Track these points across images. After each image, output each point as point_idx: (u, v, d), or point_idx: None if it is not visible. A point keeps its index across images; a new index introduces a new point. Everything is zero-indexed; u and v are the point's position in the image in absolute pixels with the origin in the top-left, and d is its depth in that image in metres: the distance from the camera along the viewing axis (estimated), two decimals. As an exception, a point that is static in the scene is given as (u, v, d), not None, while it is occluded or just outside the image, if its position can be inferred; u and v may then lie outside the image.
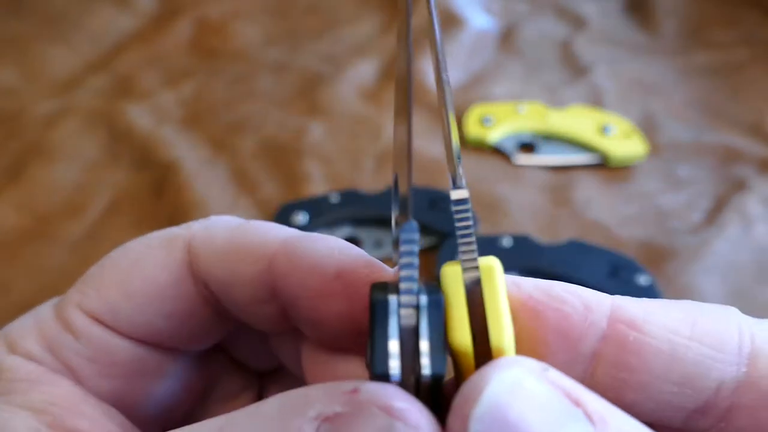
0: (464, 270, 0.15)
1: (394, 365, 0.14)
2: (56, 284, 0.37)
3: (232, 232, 0.18)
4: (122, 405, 0.19)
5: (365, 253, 0.17)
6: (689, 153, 0.46)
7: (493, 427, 0.12)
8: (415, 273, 0.14)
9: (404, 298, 0.14)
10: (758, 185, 0.43)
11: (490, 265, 0.15)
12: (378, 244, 0.39)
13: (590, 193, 0.43)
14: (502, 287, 0.15)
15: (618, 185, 0.44)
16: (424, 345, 0.14)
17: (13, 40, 0.55)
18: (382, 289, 0.15)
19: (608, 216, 0.42)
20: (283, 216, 0.40)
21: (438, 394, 0.14)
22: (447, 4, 0.57)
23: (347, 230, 0.40)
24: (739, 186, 0.43)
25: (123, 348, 0.18)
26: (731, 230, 0.40)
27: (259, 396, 0.22)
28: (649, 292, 0.36)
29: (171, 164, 0.44)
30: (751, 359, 0.15)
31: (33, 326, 0.19)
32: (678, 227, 0.41)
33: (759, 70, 0.52)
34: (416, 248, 0.14)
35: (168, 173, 0.43)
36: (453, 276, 0.15)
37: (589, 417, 0.13)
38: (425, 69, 0.51)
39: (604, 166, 0.45)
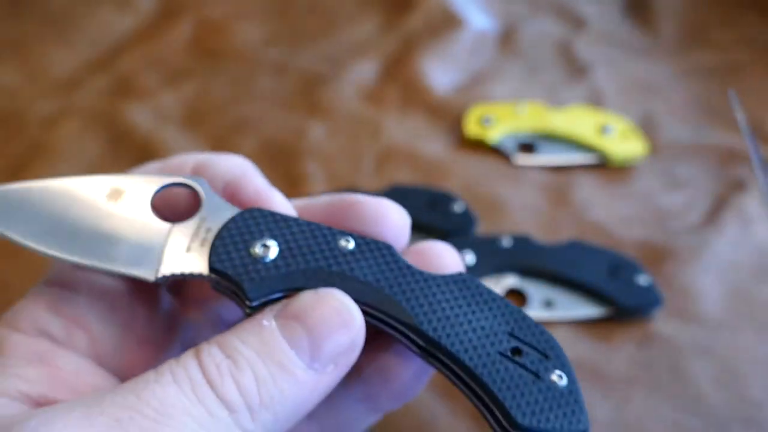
0: None
1: None
2: (57, 284, 0.37)
3: None
4: (123, 359, 0.22)
5: None
6: (689, 153, 0.46)
7: None
8: None
9: None
10: (757, 185, 0.43)
11: None
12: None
13: (590, 193, 0.43)
14: None
15: (618, 185, 0.44)
16: None
17: (13, 40, 0.55)
18: None
19: (608, 216, 0.42)
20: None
21: None
22: (447, 4, 0.57)
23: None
24: (738, 186, 0.43)
25: (120, 288, 0.22)
26: (730, 230, 0.40)
27: None
28: (648, 292, 0.36)
29: (171, 164, 0.44)
30: None
31: (34, 299, 0.21)
32: (677, 227, 0.41)
33: (758, 70, 0.53)
34: None
35: (168, 173, 0.43)
36: None
37: None
38: (426, 69, 0.51)
39: (604, 166, 0.45)
